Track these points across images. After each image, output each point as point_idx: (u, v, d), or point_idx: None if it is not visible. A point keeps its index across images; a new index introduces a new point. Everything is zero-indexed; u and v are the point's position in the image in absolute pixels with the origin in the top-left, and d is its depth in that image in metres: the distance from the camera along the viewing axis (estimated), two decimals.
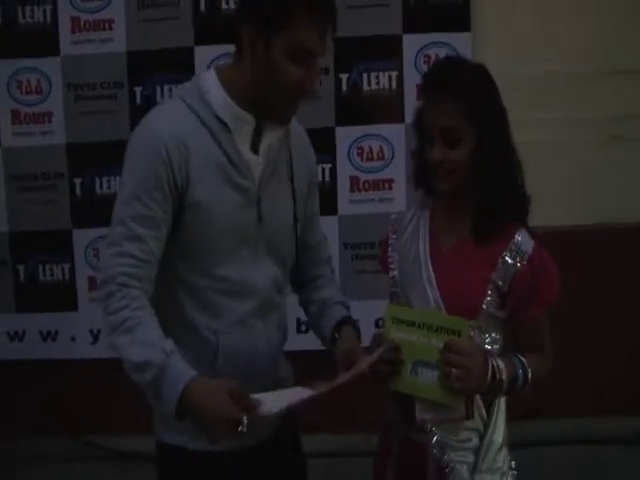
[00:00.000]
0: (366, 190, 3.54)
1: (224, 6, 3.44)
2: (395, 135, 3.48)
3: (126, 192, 1.97)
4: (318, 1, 1.94)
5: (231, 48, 3.42)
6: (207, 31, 3.46)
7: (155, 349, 1.88)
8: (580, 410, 3.60)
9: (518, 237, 2.11)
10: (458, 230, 2.16)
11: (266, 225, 2.09)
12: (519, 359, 2.09)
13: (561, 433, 3.61)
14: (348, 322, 2.23)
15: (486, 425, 2.15)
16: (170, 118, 2.00)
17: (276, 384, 2.15)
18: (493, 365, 2.01)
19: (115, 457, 3.72)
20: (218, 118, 2.01)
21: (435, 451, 2.14)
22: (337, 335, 2.21)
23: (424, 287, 2.14)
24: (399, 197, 3.50)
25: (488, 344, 2.12)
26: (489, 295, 2.10)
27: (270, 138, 2.07)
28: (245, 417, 1.83)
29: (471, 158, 2.07)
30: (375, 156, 3.53)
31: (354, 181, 3.54)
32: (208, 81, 2.04)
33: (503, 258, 2.10)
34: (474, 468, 2.14)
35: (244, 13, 1.98)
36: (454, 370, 1.95)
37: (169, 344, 1.90)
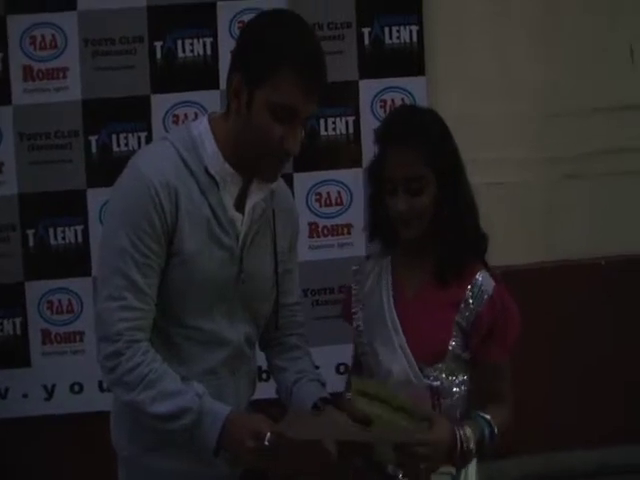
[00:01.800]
0: (325, 235, 3.55)
1: (180, 54, 3.43)
2: (353, 180, 3.51)
3: (121, 239, 1.93)
4: (306, 62, 1.92)
5: (187, 96, 3.47)
6: (164, 79, 3.45)
7: (188, 395, 1.94)
8: (538, 446, 3.62)
9: (479, 277, 2.14)
10: (420, 275, 2.19)
11: (246, 284, 2.07)
12: (483, 418, 2.09)
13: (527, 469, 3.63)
14: (331, 403, 2.15)
15: (458, 469, 2.13)
16: (160, 163, 1.97)
17: None
18: (460, 436, 2.02)
19: None
20: (208, 172, 1.99)
21: None
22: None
23: (389, 334, 2.15)
24: (358, 242, 3.49)
25: (456, 386, 2.14)
26: (454, 336, 2.13)
27: (256, 197, 2.05)
28: (269, 433, 1.87)
29: (433, 204, 2.10)
30: (333, 201, 3.54)
31: (313, 227, 3.54)
32: (201, 132, 2.01)
33: (466, 299, 2.13)
34: None
35: (233, 63, 1.98)
36: (420, 449, 1.95)
37: (199, 387, 1.95)
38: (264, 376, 3.27)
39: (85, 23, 3.44)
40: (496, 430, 2.08)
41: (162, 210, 1.93)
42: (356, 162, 3.50)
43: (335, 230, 3.55)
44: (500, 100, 3.49)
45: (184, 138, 2.01)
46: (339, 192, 3.53)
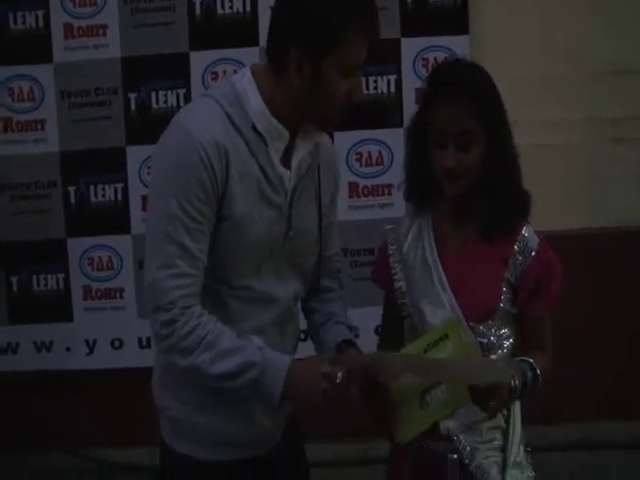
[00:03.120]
0: (365, 196, 3.51)
1: (220, 11, 3.39)
2: (394, 140, 3.43)
3: (170, 205, 1.88)
4: (367, 15, 1.90)
5: (226, 53, 3.43)
6: (203, 36, 3.41)
7: (248, 350, 1.93)
8: (577, 416, 3.59)
9: (525, 233, 2.13)
10: (464, 232, 2.15)
11: (293, 240, 2.04)
12: (527, 362, 2.09)
13: (562, 438, 3.60)
14: (354, 346, 2.16)
15: (507, 421, 2.15)
16: (207, 123, 1.91)
17: None
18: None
19: (111, 469, 3.67)
20: (255, 129, 1.94)
21: (466, 458, 2.11)
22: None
23: (437, 292, 2.12)
24: (399, 202, 3.39)
25: (503, 340, 2.13)
26: (504, 292, 2.11)
27: (302, 152, 2.02)
28: (340, 373, 1.89)
29: (481, 160, 2.06)
30: (374, 161, 3.49)
31: (353, 187, 3.50)
32: (246, 88, 1.96)
33: (514, 254, 2.11)
34: (503, 466, 2.13)
35: (291, 39, 1.90)
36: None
37: (258, 340, 1.96)
38: (302, 336, 3.30)
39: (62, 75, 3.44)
40: (539, 372, 2.08)
41: (213, 172, 1.88)
42: (397, 122, 3.43)
43: (375, 190, 3.50)
44: (543, 60, 3.40)
45: (227, 93, 1.96)
46: (380, 152, 3.48)
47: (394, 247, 2.22)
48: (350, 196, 3.49)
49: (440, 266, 2.13)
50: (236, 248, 1.96)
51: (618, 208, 3.52)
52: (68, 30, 3.41)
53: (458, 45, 3.32)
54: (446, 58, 3.27)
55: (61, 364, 3.58)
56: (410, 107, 3.36)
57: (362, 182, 3.50)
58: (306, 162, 2.04)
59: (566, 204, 3.38)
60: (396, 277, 2.21)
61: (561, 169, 3.43)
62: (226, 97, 1.95)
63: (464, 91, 2.05)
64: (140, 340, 3.53)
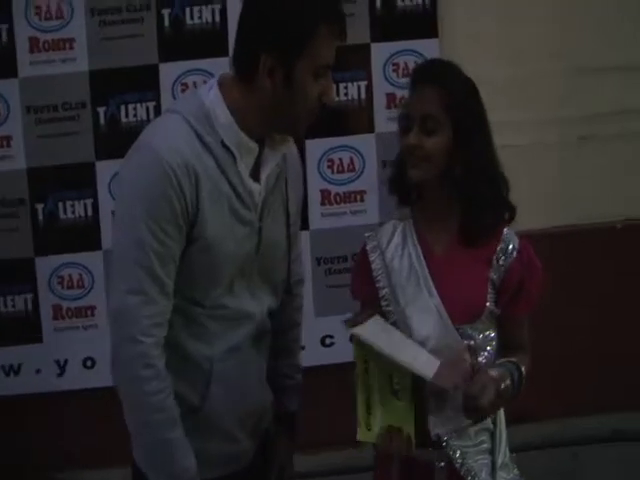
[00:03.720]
0: (337, 203, 3.51)
1: (189, 21, 3.38)
2: (365, 146, 3.46)
3: (139, 230, 1.85)
4: (335, 19, 1.92)
5: (196, 64, 3.42)
6: (172, 47, 3.39)
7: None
8: (554, 412, 3.62)
9: (507, 233, 2.18)
10: (445, 234, 2.18)
11: (263, 254, 2.03)
12: (510, 362, 2.14)
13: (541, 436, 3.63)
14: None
15: (494, 423, 2.18)
16: (175, 142, 1.89)
17: (263, 410, 2.17)
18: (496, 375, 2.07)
19: None
20: (224, 145, 1.92)
21: (457, 463, 2.13)
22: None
23: (424, 296, 2.14)
24: (371, 209, 3.47)
25: (490, 340, 2.16)
26: (489, 293, 2.15)
27: (270, 165, 2.01)
28: None
29: (446, 151, 2.10)
30: (346, 168, 3.50)
31: (325, 194, 3.49)
32: (213, 102, 1.94)
33: (497, 254, 2.15)
34: (492, 468, 2.16)
35: (260, 45, 1.90)
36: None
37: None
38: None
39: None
40: (523, 372, 2.12)
41: (182, 194, 1.86)
42: (368, 127, 3.46)
43: (348, 197, 3.50)
44: (514, 61, 3.46)
45: (195, 109, 1.94)
46: (351, 158, 3.48)
47: (375, 254, 2.23)
48: (322, 204, 3.49)
49: (426, 270, 2.15)
50: (208, 268, 1.95)
51: (588, 205, 3.58)
52: (34, 44, 3.35)
53: (428, 49, 3.36)
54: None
55: (31, 387, 3.48)
56: (381, 112, 3.41)
57: (334, 189, 3.50)
58: (274, 174, 2.04)
59: (536, 203, 3.40)
60: (380, 284, 2.21)
61: (530, 169, 3.47)
62: (193, 113, 1.93)
63: (436, 81, 2.12)
64: None
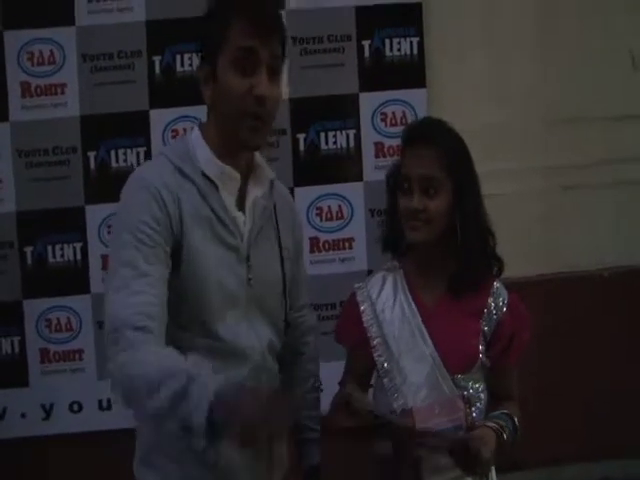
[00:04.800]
0: (326, 250, 3.52)
1: (179, 69, 3.42)
2: (354, 194, 3.49)
3: (122, 238, 1.88)
4: (250, 14, 1.92)
5: (186, 111, 3.44)
6: (163, 94, 3.43)
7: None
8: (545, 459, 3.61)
9: (497, 285, 2.18)
10: (435, 286, 2.18)
11: (256, 285, 2.02)
12: (504, 414, 2.13)
13: None
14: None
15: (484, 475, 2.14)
16: (159, 171, 1.96)
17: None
18: (496, 428, 2.07)
19: None
20: (204, 175, 1.97)
21: None
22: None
23: (418, 345, 2.14)
24: (360, 256, 3.49)
25: (481, 392, 2.16)
26: (481, 343, 2.15)
27: (255, 194, 2.03)
28: None
29: (446, 212, 2.10)
30: (334, 215, 3.52)
31: (314, 242, 3.51)
32: (194, 142, 2.01)
33: (488, 307, 2.16)
34: None
35: (200, 61, 1.99)
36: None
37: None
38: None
39: (83, 38, 3.43)
40: (517, 422, 2.13)
41: (165, 206, 1.90)
42: (357, 176, 3.49)
43: (336, 244, 3.52)
44: (497, 111, 3.50)
45: (178, 150, 2.01)
46: (340, 206, 3.51)
47: (366, 305, 2.22)
48: (311, 251, 3.50)
49: (420, 319, 2.15)
50: (198, 289, 1.94)
51: (572, 253, 3.61)
52: (25, 88, 3.39)
53: (416, 98, 3.41)
54: (402, 115, 3.37)
55: (16, 431, 3.46)
56: (369, 161, 3.44)
57: (323, 237, 3.52)
58: (261, 204, 2.05)
59: (522, 252, 3.43)
60: (371, 334, 2.20)
61: (515, 218, 3.49)
62: (176, 153, 2.00)
63: (433, 142, 2.11)
64: (100, 402, 3.45)
